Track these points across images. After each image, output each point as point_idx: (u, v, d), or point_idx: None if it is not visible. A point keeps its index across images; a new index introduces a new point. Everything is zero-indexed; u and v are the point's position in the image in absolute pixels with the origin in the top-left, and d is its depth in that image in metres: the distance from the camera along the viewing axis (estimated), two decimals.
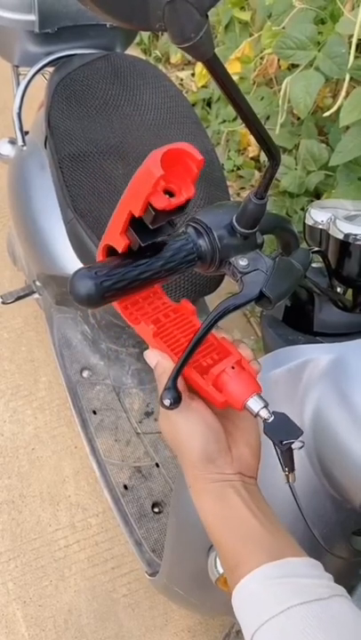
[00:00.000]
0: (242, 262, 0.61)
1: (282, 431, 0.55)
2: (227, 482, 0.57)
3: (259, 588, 0.51)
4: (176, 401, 0.54)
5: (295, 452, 0.58)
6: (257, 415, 0.55)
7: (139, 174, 0.50)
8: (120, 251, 0.54)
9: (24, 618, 1.43)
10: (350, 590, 0.91)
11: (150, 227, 0.52)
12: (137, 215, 0.51)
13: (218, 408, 0.57)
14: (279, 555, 0.53)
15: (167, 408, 0.54)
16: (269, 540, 0.54)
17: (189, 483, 0.58)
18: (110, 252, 0.56)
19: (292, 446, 0.56)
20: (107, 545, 1.54)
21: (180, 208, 0.52)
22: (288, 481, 0.59)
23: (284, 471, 0.58)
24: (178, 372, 0.54)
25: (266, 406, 0.55)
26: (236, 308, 0.58)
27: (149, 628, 1.43)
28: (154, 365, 0.59)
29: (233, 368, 0.56)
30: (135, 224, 0.52)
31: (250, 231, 0.60)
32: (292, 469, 0.58)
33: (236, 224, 0.59)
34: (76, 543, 1.54)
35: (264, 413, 0.55)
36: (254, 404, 0.55)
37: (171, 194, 0.51)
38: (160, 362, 0.58)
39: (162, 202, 0.50)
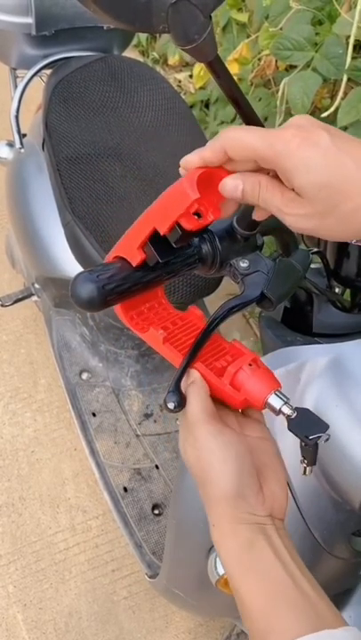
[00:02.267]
0: (242, 264, 0.61)
1: (306, 426, 0.53)
2: (258, 525, 0.50)
3: None
4: (180, 404, 0.52)
5: (294, 452, 0.57)
6: (280, 412, 0.53)
7: (171, 192, 0.48)
8: (134, 265, 0.53)
9: (24, 621, 1.43)
10: (350, 591, 0.92)
11: (174, 245, 0.51)
12: (162, 233, 0.50)
13: (236, 408, 0.55)
14: (317, 623, 0.46)
15: (171, 411, 0.52)
16: (305, 604, 0.47)
17: (213, 521, 0.51)
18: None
19: (318, 441, 0.53)
20: (107, 547, 1.54)
21: (204, 228, 0.52)
22: (305, 473, 0.56)
23: (303, 463, 0.55)
24: (181, 373, 0.54)
25: (288, 402, 0.53)
26: (239, 309, 0.58)
27: (150, 631, 1.43)
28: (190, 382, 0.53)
29: (250, 365, 0.54)
30: (155, 240, 0.51)
31: (250, 233, 0.60)
32: (312, 463, 0.55)
33: (236, 226, 0.59)
34: (77, 546, 1.54)
35: (286, 410, 0.52)
36: (276, 400, 0.52)
37: (198, 214, 0.50)
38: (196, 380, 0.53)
39: (192, 223, 0.49)
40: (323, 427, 0.53)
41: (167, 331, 0.57)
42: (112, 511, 1.35)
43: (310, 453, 0.54)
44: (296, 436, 0.53)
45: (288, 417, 0.52)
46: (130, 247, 0.52)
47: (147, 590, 1.47)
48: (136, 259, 0.52)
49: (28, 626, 1.42)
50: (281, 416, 0.53)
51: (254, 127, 0.46)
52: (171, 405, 0.52)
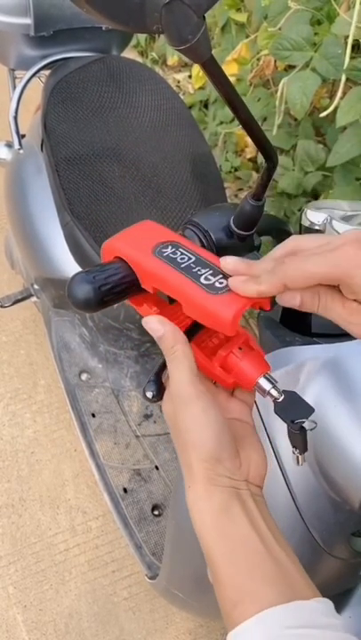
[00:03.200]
0: None
1: (293, 411, 0.53)
2: (233, 489, 0.49)
3: (269, 638, 0.43)
4: (158, 394, 0.52)
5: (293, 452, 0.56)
6: (267, 394, 0.53)
7: (210, 305, 0.49)
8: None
9: (24, 622, 1.43)
10: (350, 591, 0.91)
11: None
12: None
13: (226, 388, 0.55)
14: (291, 594, 0.45)
15: (149, 400, 0.53)
16: (279, 573, 0.46)
17: (189, 482, 0.50)
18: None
19: (305, 426, 0.53)
20: (107, 548, 1.54)
21: None
22: (298, 463, 0.57)
23: (294, 453, 0.55)
24: (163, 364, 0.53)
25: (276, 385, 0.53)
26: None
27: (150, 631, 1.43)
28: (158, 336, 0.52)
29: (240, 349, 0.54)
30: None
31: (247, 233, 0.60)
32: (303, 450, 0.55)
33: (233, 226, 0.59)
34: (77, 547, 1.54)
35: (275, 392, 0.52)
36: (265, 382, 0.52)
37: None
38: (168, 333, 0.51)
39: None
40: (308, 411, 0.53)
41: (162, 312, 0.56)
42: (112, 512, 1.35)
43: (298, 440, 0.53)
44: (282, 419, 0.53)
45: (275, 400, 0.52)
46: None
47: (147, 591, 1.47)
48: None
49: (28, 627, 1.42)
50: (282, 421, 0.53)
51: (311, 251, 0.47)
52: (149, 394, 0.52)
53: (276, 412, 0.53)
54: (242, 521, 0.48)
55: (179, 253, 0.53)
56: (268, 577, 0.46)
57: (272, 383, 0.52)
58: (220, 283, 0.50)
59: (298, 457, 0.55)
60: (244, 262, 0.50)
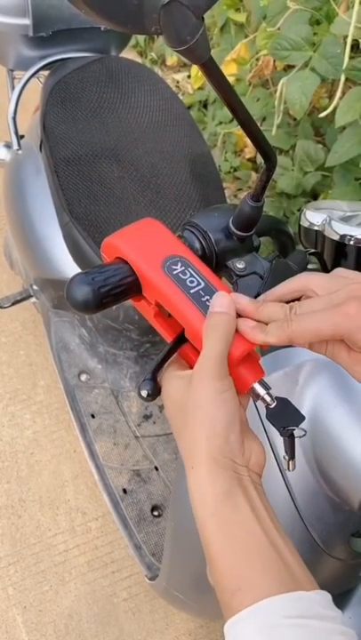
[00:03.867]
0: (239, 265, 0.61)
1: (284, 417, 0.53)
2: (235, 474, 0.49)
3: (266, 628, 0.42)
4: (153, 393, 0.52)
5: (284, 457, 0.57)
6: (260, 399, 0.53)
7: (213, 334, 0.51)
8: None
9: (24, 623, 1.43)
10: (350, 592, 0.91)
11: None
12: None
13: None
14: (291, 584, 0.45)
15: (144, 399, 0.52)
16: (280, 563, 0.46)
17: (192, 463, 0.49)
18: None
19: (295, 434, 0.54)
20: (107, 549, 1.54)
21: None
22: (288, 468, 0.57)
23: (284, 458, 0.56)
24: (160, 363, 0.53)
25: (269, 391, 0.53)
26: None
27: (150, 632, 1.42)
28: (223, 311, 0.51)
29: None
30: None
31: (246, 234, 0.60)
32: (292, 457, 0.56)
33: (232, 227, 0.59)
34: (76, 547, 1.54)
35: (268, 398, 0.53)
36: (259, 388, 0.53)
37: None
38: (232, 312, 0.51)
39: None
40: (299, 419, 0.53)
41: (157, 313, 0.56)
42: (111, 513, 1.35)
43: (288, 446, 0.54)
44: (273, 425, 0.53)
45: (268, 406, 0.53)
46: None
47: (147, 592, 1.47)
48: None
49: (27, 628, 1.42)
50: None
51: (315, 309, 0.49)
52: (144, 393, 0.52)
53: (267, 418, 0.53)
54: (244, 508, 0.47)
55: (188, 274, 0.53)
56: (269, 566, 0.45)
57: (266, 389, 0.53)
58: None
59: (288, 462, 0.56)
60: (253, 304, 0.52)
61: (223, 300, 0.51)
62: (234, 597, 0.44)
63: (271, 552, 0.46)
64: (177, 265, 0.53)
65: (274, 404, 0.53)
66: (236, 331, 0.51)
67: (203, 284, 0.53)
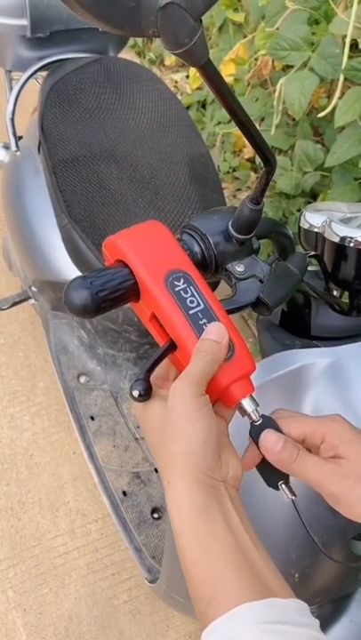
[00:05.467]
0: (238, 268, 0.60)
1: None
2: (212, 488, 0.50)
3: (240, 634, 0.43)
4: (146, 393, 0.52)
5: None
6: (246, 415, 0.55)
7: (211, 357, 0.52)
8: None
9: (24, 626, 1.42)
10: (351, 595, 0.91)
11: None
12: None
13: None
14: (265, 591, 0.46)
15: (136, 400, 0.53)
16: (253, 571, 0.47)
17: (169, 478, 0.51)
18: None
19: (282, 488, 0.57)
20: (107, 551, 1.53)
21: None
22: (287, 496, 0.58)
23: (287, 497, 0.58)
24: (153, 365, 0.53)
25: (257, 408, 0.54)
26: (228, 313, 0.57)
27: (150, 634, 1.42)
28: (218, 340, 0.53)
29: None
30: None
31: (246, 237, 0.59)
32: (284, 478, 0.57)
33: (231, 230, 0.59)
34: (76, 550, 1.53)
35: (254, 415, 0.54)
36: (248, 404, 0.54)
37: None
38: (225, 341, 0.53)
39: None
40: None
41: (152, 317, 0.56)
42: (111, 515, 1.34)
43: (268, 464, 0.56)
44: (253, 441, 0.55)
45: (253, 422, 0.55)
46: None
47: (147, 594, 1.46)
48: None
49: (27, 631, 1.42)
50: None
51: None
52: (135, 393, 0.52)
53: (250, 434, 0.55)
54: (219, 521, 0.49)
55: (190, 293, 0.53)
56: (243, 575, 0.47)
57: (254, 406, 0.54)
58: None
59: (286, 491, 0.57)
60: (286, 451, 0.54)
61: (219, 331, 0.52)
62: (209, 607, 0.46)
63: (244, 562, 0.47)
64: (180, 281, 0.53)
65: (259, 421, 0.54)
66: (227, 360, 0.53)
67: (202, 306, 0.53)
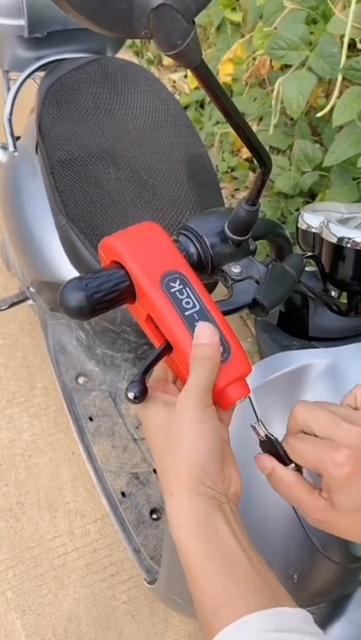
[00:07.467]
0: (235, 269, 0.60)
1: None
2: (216, 500, 0.50)
3: None
4: (141, 395, 0.52)
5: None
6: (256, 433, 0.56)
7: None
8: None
9: (23, 627, 1.42)
10: (350, 596, 0.91)
11: None
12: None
13: None
14: (271, 601, 0.46)
15: (131, 402, 0.52)
16: (260, 582, 0.47)
17: (171, 491, 0.50)
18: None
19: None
20: (106, 552, 1.53)
21: None
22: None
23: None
24: (148, 367, 0.53)
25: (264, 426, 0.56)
26: (223, 315, 0.57)
27: (150, 635, 1.42)
28: (206, 343, 0.52)
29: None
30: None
31: (242, 238, 0.59)
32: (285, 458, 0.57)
33: (227, 231, 0.59)
34: (75, 550, 1.53)
35: (262, 432, 0.56)
36: (260, 428, 0.56)
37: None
38: (215, 343, 0.52)
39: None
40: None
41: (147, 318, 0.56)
42: (110, 516, 1.34)
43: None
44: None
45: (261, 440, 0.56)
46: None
47: (146, 594, 1.46)
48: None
49: (27, 632, 1.41)
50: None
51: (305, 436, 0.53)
52: (131, 395, 0.52)
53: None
54: (224, 530, 0.48)
55: (185, 294, 0.53)
56: (249, 585, 0.46)
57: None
58: None
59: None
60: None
61: (207, 332, 0.52)
62: (215, 617, 0.45)
63: (251, 571, 0.47)
64: (175, 282, 0.53)
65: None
66: (223, 361, 0.52)
67: (198, 307, 0.53)
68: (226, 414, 0.56)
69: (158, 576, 1.15)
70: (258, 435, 0.55)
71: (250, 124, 0.61)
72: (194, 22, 0.39)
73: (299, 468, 0.56)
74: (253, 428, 0.55)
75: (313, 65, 1.43)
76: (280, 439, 0.56)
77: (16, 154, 1.39)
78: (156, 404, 0.53)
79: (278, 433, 0.69)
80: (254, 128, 2.03)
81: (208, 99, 2.50)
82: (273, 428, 0.75)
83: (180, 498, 0.49)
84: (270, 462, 0.55)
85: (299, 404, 0.53)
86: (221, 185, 2.03)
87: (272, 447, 0.55)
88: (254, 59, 2.01)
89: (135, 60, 3.05)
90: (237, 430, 0.59)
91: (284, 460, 0.55)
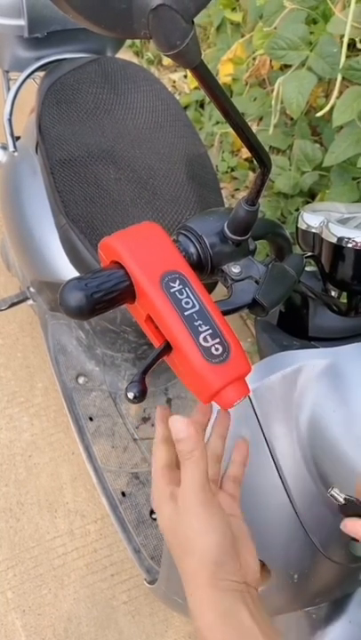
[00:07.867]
0: (234, 269, 0.60)
1: None
2: (237, 592, 0.50)
3: None
4: (140, 395, 0.52)
5: (291, 457, 0.56)
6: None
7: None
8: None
9: (23, 627, 1.42)
10: (350, 596, 0.91)
11: None
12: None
13: (204, 400, 0.56)
14: None
15: (130, 401, 0.52)
16: None
17: (190, 591, 0.51)
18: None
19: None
20: (106, 552, 1.53)
21: None
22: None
23: None
24: (148, 366, 0.53)
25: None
26: (223, 314, 0.57)
27: (150, 635, 1.42)
28: (181, 437, 0.52)
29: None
30: None
31: (242, 238, 0.59)
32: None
33: (227, 231, 0.59)
34: (75, 550, 1.53)
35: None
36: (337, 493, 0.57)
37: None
38: (192, 437, 0.52)
39: None
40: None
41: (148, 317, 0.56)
42: (110, 516, 1.34)
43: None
44: None
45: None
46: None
47: (146, 594, 1.46)
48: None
49: (27, 632, 1.41)
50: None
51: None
52: (130, 395, 0.52)
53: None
54: (248, 622, 0.49)
55: (185, 294, 0.53)
56: None
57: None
58: (217, 349, 0.52)
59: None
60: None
61: (180, 426, 0.52)
62: None
63: None
64: (175, 282, 0.53)
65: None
66: (222, 362, 0.52)
67: (197, 307, 0.53)
68: (235, 488, 0.57)
69: (158, 576, 1.15)
70: (336, 500, 0.56)
71: (250, 123, 0.61)
72: (193, 22, 0.39)
73: None
74: (331, 495, 0.56)
75: (313, 65, 1.43)
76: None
77: (16, 154, 1.39)
78: (162, 507, 0.54)
79: (278, 433, 0.69)
80: (254, 128, 2.04)
81: (208, 99, 2.50)
82: (273, 428, 0.75)
83: (201, 596, 0.50)
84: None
85: None
86: (221, 185, 2.03)
87: (355, 508, 0.56)
88: (254, 59, 2.01)
89: (135, 60, 3.05)
90: (237, 430, 0.59)
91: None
